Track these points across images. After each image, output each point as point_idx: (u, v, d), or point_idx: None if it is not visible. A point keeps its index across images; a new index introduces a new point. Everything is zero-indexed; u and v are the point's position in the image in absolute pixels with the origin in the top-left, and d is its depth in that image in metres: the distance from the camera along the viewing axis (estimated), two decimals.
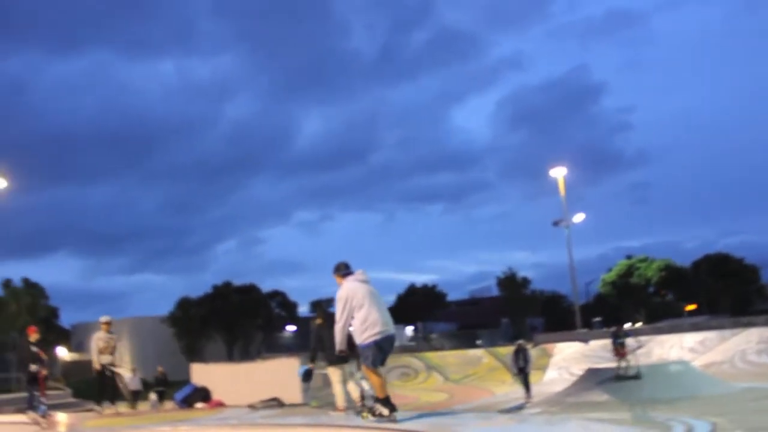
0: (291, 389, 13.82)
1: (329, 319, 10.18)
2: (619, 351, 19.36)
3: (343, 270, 7.94)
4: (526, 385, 20.65)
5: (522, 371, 20.73)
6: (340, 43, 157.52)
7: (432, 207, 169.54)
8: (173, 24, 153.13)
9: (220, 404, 13.57)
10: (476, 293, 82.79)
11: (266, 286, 62.21)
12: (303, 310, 66.60)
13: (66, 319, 57.75)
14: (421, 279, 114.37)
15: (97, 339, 13.49)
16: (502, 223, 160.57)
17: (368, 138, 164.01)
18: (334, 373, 10.43)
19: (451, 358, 34.36)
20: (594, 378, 18.88)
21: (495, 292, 69.39)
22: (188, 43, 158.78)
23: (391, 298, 72.37)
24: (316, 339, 10.90)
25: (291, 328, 61.81)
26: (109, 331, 13.63)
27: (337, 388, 10.45)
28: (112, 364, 13.56)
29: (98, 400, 13.58)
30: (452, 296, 76.02)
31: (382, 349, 7.54)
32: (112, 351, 13.56)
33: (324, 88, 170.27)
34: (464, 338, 63.52)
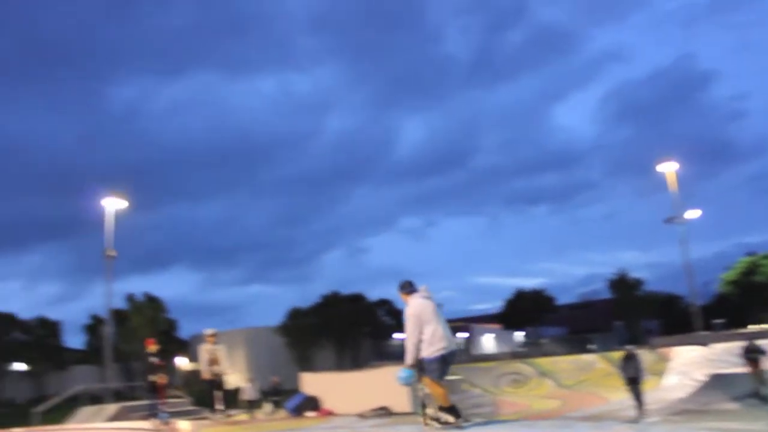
0: (400, 398, 13.75)
1: None
2: (754, 366, 17.58)
3: (408, 288, 8.25)
4: (638, 396, 17.20)
5: (633, 381, 17.24)
6: (436, 48, 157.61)
7: (537, 209, 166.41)
8: (272, 41, 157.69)
9: (330, 413, 13.67)
10: (586, 296, 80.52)
11: (373, 294, 62.85)
12: None
13: (184, 331, 60.14)
14: (528, 283, 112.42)
15: (204, 351, 14.01)
16: (611, 222, 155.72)
17: (469, 142, 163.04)
18: (427, 380, 10.31)
19: (564, 363, 33.36)
20: (719, 384, 17.78)
21: (606, 294, 67.22)
22: (287, 59, 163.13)
23: (498, 304, 71.38)
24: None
25: (399, 335, 62.02)
26: (214, 343, 14.07)
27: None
28: (219, 374, 14.00)
29: (211, 409, 14.03)
30: (561, 300, 73.99)
31: (447, 362, 7.93)
32: (218, 362, 14.00)
33: (423, 94, 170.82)
34: (575, 343, 61.87)
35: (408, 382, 10.36)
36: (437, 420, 7.82)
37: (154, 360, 13.87)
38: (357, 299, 58.60)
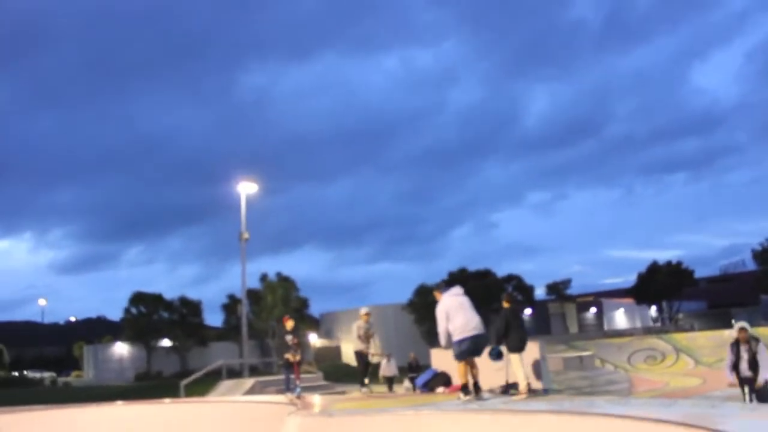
0: (531, 374, 13.50)
1: (516, 304, 11.07)
2: None
3: (443, 288, 10.95)
4: (752, 390, 11.12)
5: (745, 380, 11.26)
6: (563, 14, 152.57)
7: (674, 177, 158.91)
8: (393, 19, 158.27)
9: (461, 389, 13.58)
10: (728, 268, 76.34)
11: (502, 270, 62.10)
12: (540, 293, 65.56)
13: (315, 309, 61.93)
14: (664, 255, 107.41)
15: (358, 327, 14.45)
16: (758, 188, 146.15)
17: (601, 110, 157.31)
18: (514, 358, 11.53)
19: (702, 339, 31.81)
20: None
21: (751, 266, 63.30)
22: (410, 35, 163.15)
23: (631, 278, 68.78)
24: (502, 322, 11.78)
25: (528, 311, 61.18)
26: (368, 322, 14.46)
27: (520, 372, 11.40)
28: (369, 352, 14.41)
29: (361, 382, 14.39)
30: (700, 273, 70.19)
31: (475, 344, 10.26)
32: (369, 339, 14.42)
33: (550, 62, 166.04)
34: (715, 318, 58.86)
35: (493, 358, 11.77)
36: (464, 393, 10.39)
37: (291, 337, 14.33)
38: (485, 275, 58.15)
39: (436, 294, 10.80)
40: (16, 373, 62.49)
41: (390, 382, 23.02)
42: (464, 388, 10.38)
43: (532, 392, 11.26)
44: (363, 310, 14.72)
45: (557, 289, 67.11)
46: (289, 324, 14.59)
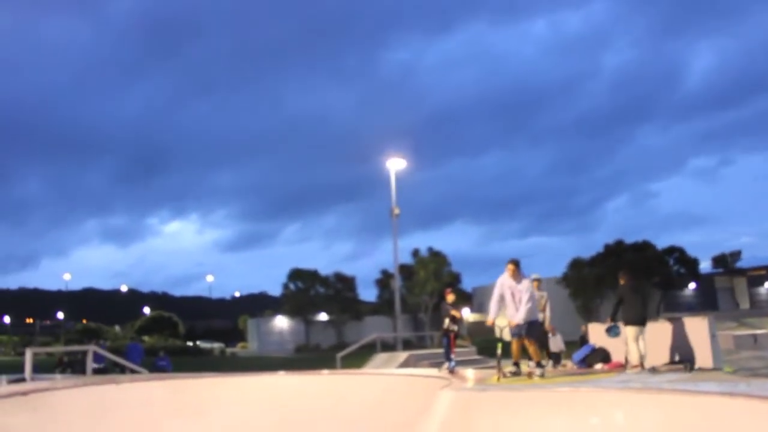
0: (700, 352, 12.62)
1: (632, 280, 12.90)
2: None
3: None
4: None
5: None
6: None
7: None
8: None
9: (620, 365, 12.96)
10: None
11: (662, 242, 58.96)
12: (705, 266, 61.58)
13: (467, 284, 61.85)
14: None
15: None
16: None
17: None
18: (630, 332, 12.07)
19: None
20: None
21: None
22: None
23: None
24: (617, 299, 12.52)
25: (691, 285, 57.75)
26: (539, 288, 13.89)
27: (632, 346, 12.04)
28: (542, 322, 13.81)
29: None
30: None
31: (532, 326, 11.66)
32: (542, 308, 13.91)
33: (713, 16, 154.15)
34: None
35: (615, 335, 12.51)
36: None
37: (451, 308, 14.24)
38: (644, 248, 55.36)
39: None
40: (190, 344, 67.12)
41: (557, 357, 22.34)
42: (538, 365, 11.57)
43: (647, 369, 11.69)
44: (533, 276, 13.91)
45: (725, 262, 62.89)
46: (450, 297, 14.54)
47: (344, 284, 60.06)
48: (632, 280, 13.11)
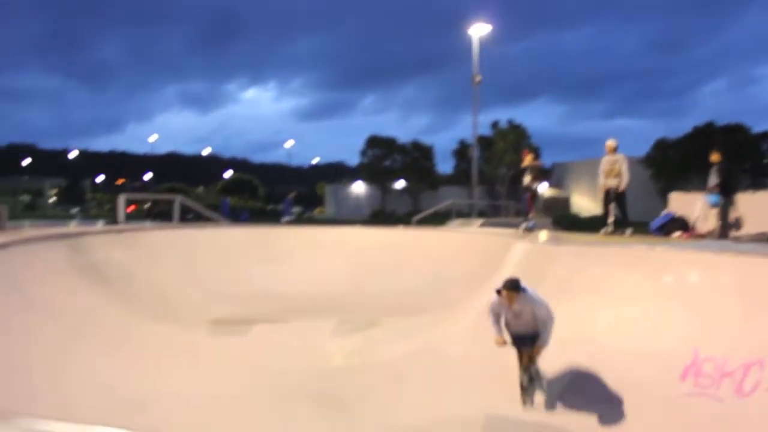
0: None
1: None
2: None
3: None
4: None
5: None
6: None
7: None
8: None
9: (700, 235, 12.78)
10: None
11: (758, 128, 55.49)
12: None
13: (546, 161, 60.77)
14: None
15: (604, 162, 13.66)
16: None
17: None
18: (717, 202, 12.46)
19: None
20: None
21: None
22: None
23: None
24: (718, 171, 12.80)
25: None
26: (614, 153, 13.53)
27: (715, 216, 12.55)
28: (616, 188, 13.52)
29: (604, 221, 13.80)
30: None
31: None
32: (617, 174, 13.48)
33: None
34: None
35: (716, 203, 12.63)
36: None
37: (534, 164, 14.16)
38: (736, 130, 52.54)
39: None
40: (269, 207, 69.20)
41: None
42: None
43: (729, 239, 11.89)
44: (608, 143, 13.54)
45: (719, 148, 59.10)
46: (529, 158, 14.41)
47: (421, 153, 60.05)
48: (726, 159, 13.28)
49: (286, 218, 25.21)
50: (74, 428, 1.95)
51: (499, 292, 7.18)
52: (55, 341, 8.23)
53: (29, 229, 13.62)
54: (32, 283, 9.39)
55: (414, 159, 59.40)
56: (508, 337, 7.35)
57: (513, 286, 7.07)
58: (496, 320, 7.39)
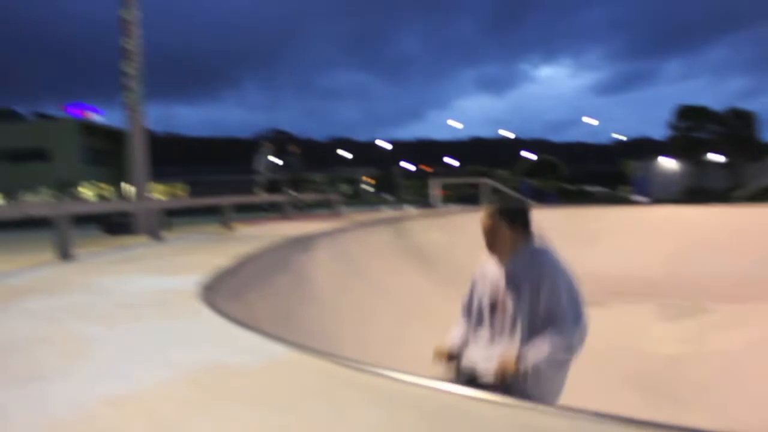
0: None
1: None
2: None
3: None
4: None
5: None
6: None
7: None
8: None
9: None
10: None
11: None
12: None
13: None
14: None
15: None
16: None
17: None
18: None
19: None
20: None
21: None
22: None
23: None
24: None
25: None
26: None
27: None
28: None
29: None
30: None
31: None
32: None
33: None
34: None
35: None
36: None
37: None
38: None
39: None
40: (572, 187, 67.90)
41: None
42: None
43: None
44: None
45: None
46: None
47: (741, 121, 54.41)
48: None
49: (641, 199, 24.26)
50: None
51: None
52: (387, 316, 8.96)
53: (356, 215, 14.97)
54: (366, 262, 10.32)
55: (731, 128, 54.04)
56: None
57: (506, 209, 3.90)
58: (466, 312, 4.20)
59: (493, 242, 3.51)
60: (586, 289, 10.38)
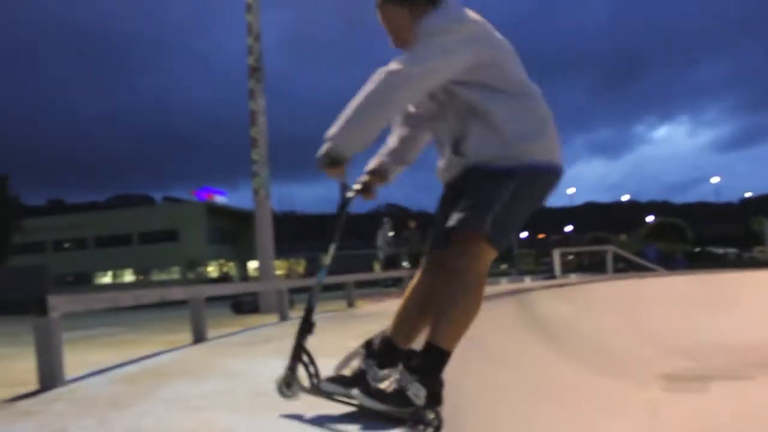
0: None
1: None
2: None
3: None
4: None
5: None
6: None
7: None
8: None
9: None
10: None
11: None
12: None
13: None
14: None
15: None
16: None
17: None
18: None
19: None
20: None
21: None
22: None
23: None
24: None
25: None
26: None
27: None
28: None
29: None
30: None
31: None
32: None
33: None
34: None
35: None
36: None
37: None
38: None
39: None
40: (698, 249, 64.79)
41: None
42: None
43: None
44: None
45: None
46: None
47: None
48: None
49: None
50: None
51: None
52: (514, 392, 8.62)
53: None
54: (490, 336, 10.06)
55: None
56: None
57: None
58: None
59: (397, 35, 2.91)
60: (727, 361, 9.67)
